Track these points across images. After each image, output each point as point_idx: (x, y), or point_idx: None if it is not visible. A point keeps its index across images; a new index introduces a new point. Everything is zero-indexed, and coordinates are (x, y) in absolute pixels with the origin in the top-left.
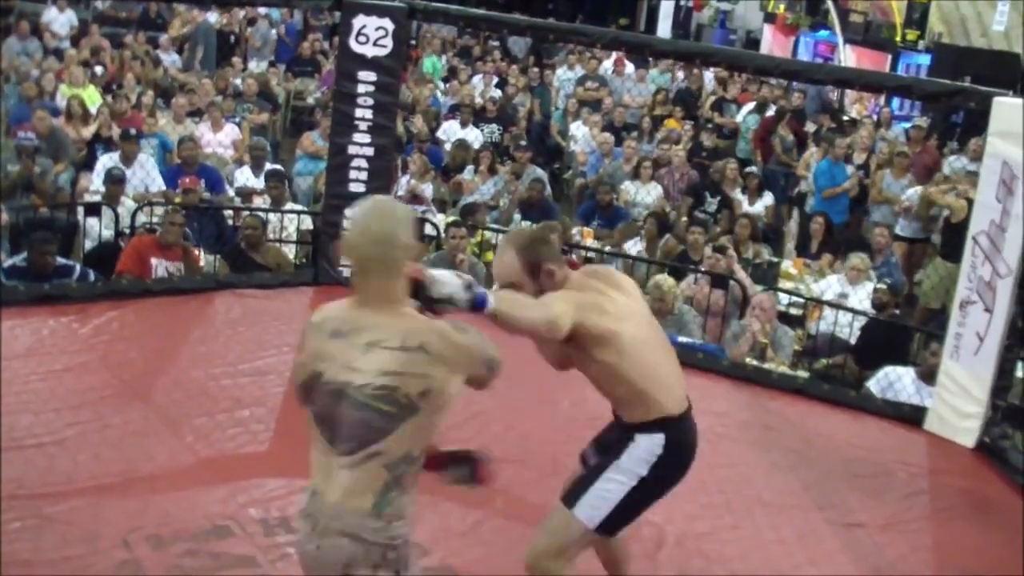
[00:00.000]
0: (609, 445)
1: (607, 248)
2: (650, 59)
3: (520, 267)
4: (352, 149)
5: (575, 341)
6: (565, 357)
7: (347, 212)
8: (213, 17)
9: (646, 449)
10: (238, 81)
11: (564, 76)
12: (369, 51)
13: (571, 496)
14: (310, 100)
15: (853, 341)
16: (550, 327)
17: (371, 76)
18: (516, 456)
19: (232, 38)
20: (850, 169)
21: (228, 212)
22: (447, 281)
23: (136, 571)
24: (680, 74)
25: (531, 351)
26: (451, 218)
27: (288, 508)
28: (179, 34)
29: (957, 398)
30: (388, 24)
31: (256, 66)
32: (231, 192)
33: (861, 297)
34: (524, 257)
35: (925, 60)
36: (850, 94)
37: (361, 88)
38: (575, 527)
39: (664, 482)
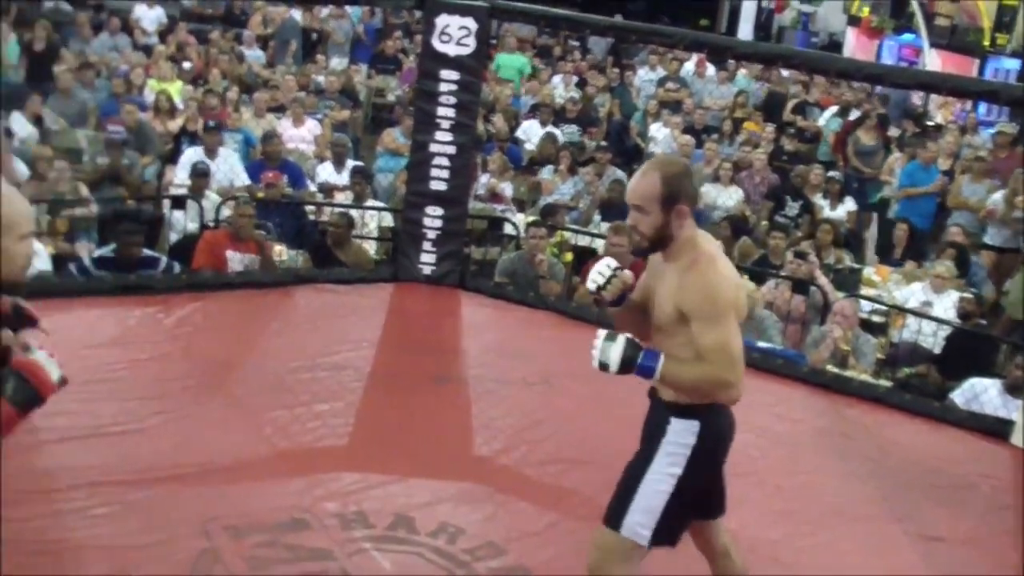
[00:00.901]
0: (646, 436)
1: None
2: (733, 62)
3: (658, 194)
4: (433, 147)
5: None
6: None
7: (428, 210)
8: (298, 14)
9: (679, 436)
10: (320, 78)
11: (644, 77)
12: (452, 50)
13: (614, 515)
14: (391, 97)
15: (937, 351)
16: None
17: (453, 75)
18: (588, 457)
19: (315, 35)
20: (936, 173)
21: (309, 207)
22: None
23: (214, 560)
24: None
25: None
26: (531, 218)
27: (364, 503)
28: (260, 31)
29: None
30: (471, 23)
31: (338, 63)
32: (312, 188)
33: (946, 306)
34: (667, 186)
35: (1014, 64)
36: (935, 99)
37: (443, 87)
38: (626, 546)
39: (711, 474)
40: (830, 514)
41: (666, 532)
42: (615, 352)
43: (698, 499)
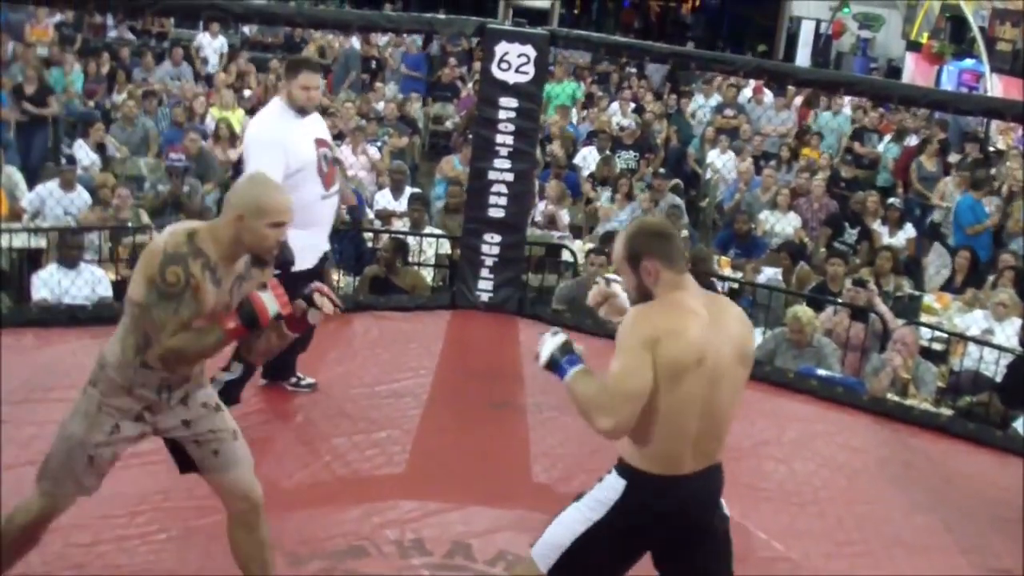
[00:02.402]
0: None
1: (741, 276)
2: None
3: (622, 255)
4: (492, 174)
5: None
6: None
7: (486, 236)
8: (357, 43)
9: (608, 488)
10: (379, 105)
11: (700, 103)
12: (511, 78)
13: (536, 538)
14: (448, 124)
15: (999, 379)
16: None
17: (512, 102)
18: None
19: (374, 63)
20: (996, 201)
21: (368, 234)
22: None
23: None
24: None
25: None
26: (588, 245)
27: (423, 530)
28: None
29: None
30: (530, 51)
31: (393, 89)
32: (371, 215)
33: (1008, 334)
34: (627, 245)
35: None
36: (996, 124)
37: (502, 114)
38: (532, 569)
39: (626, 540)
40: (893, 545)
41: (569, 572)
42: (547, 347)
43: (613, 562)
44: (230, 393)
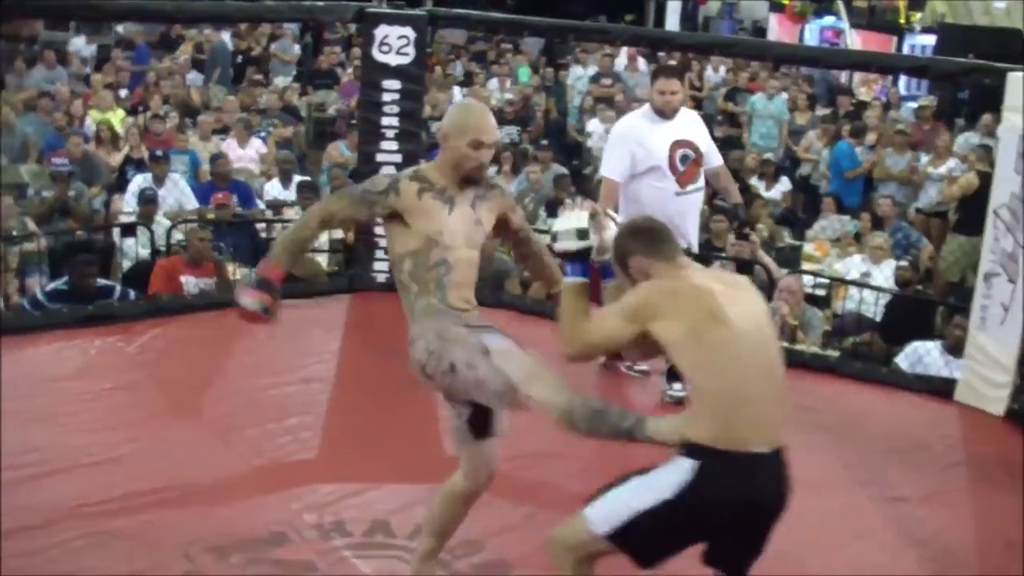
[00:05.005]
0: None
1: None
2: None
3: (614, 260)
4: (380, 157)
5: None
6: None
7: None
8: (227, 36)
9: (677, 470)
10: (263, 97)
11: (578, 74)
12: (392, 60)
13: (592, 497)
14: (331, 111)
15: (879, 319)
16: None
17: (395, 84)
18: (556, 449)
19: (239, 57)
20: (861, 150)
21: (261, 225)
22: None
23: None
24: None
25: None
26: None
27: (342, 512)
28: (191, 54)
29: (986, 368)
30: (410, 32)
31: (282, 81)
32: (262, 205)
33: (887, 275)
34: (615, 251)
35: (930, 41)
36: (857, 77)
37: (386, 96)
38: (583, 528)
39: (699, 519)
40: (796, 484)
41: (633, 542)
42: (566, 224)
43: (682, 538)
44: None
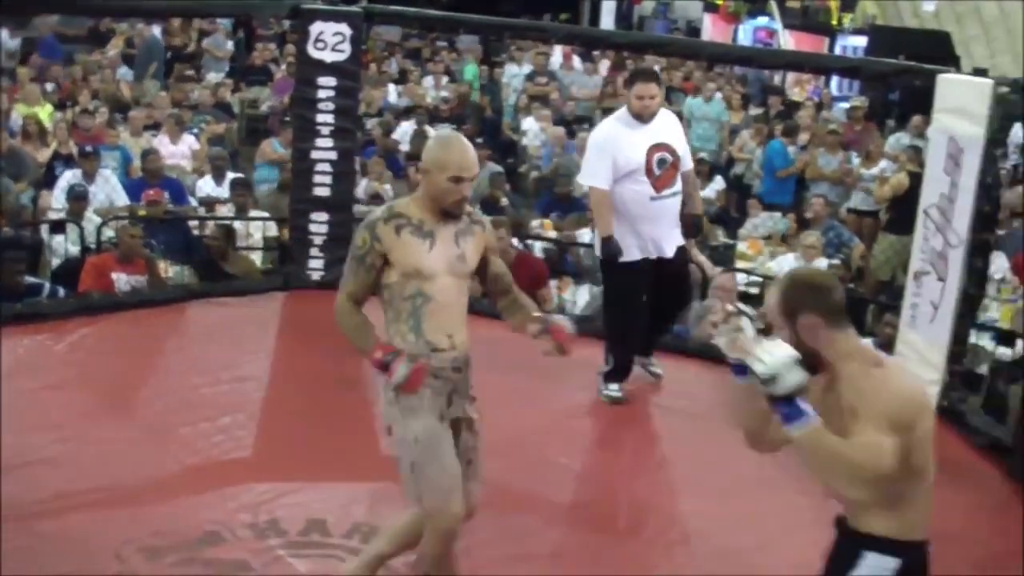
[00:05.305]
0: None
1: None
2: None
3: (777, 306)
4: (315, 154)
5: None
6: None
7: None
8: (158, 30)
9: (878, 568)
10: (195, 93)
11: (513, 72)
12: (328, 56)
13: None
14: (264, 108)
15: None
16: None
17: (331, 81)
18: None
19: (170, 53)
20: (793, 149)
21: (194, 222)
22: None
23: None
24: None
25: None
26: None
27: (277, 511)
28: (121, 49)
29: (916, 365)
30: (345, 29)
31: (214, 77)
32: (194, 202)
33: None
34: (783, 298)
35: (861, 42)
36: (791, 77)
37: (322, 93)
38: None
39: None
40: (735, 483)
41: None
42: (773, 359)
43: None
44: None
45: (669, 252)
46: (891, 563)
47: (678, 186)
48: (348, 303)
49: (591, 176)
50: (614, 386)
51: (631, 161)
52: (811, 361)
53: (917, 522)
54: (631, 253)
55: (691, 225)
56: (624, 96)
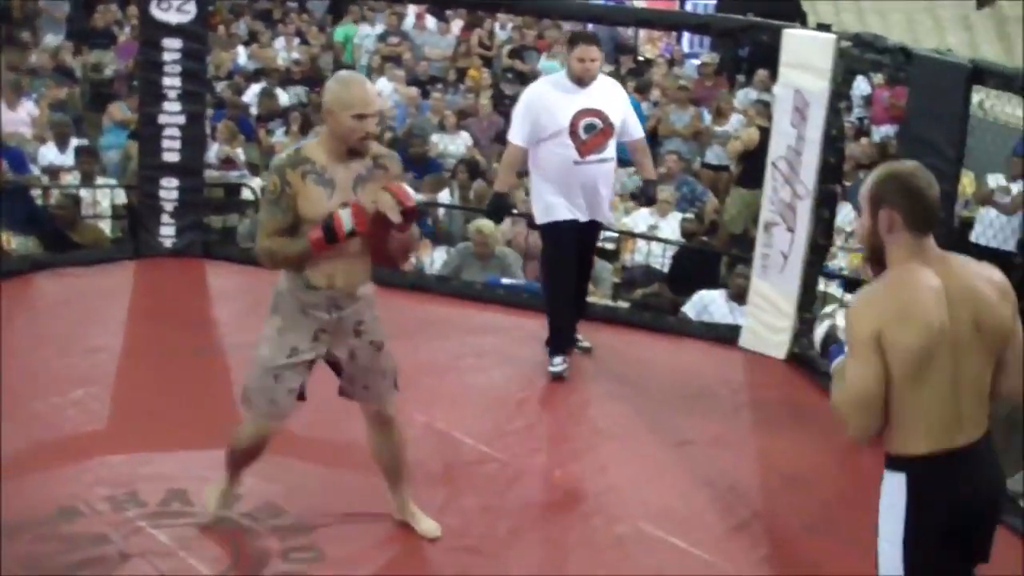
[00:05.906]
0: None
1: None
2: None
3: (867, 191)
4: (163, 118)
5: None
6: None
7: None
8: None
9: (890, 492)
10: (33, 57)
11: (365, 33)
12: (173, 18)
13: None
14: (108, 72)
15: (666, 270)
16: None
17: (177, 43)
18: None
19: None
20: (646, 106)
21: (37, 191)
22: None
23: None
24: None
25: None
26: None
27: (135, 482)
28: None
29: (767, 314)
30: None
31: (53, 40)
32: (37, 171)
33: (673, 227)
34: (875, 186)
35: None
36: (643, 35)
37: (167, 56)
38: None
39: (930, 530)
40: (591, 435)
41: None
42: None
43: (938, 554)
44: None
45: (599, 217)
46: (896, 478)
47: (607, 153)
48: (268, 243)
49: (511, 132)
50: (557, 359)
51: (554, 122)
52: (878, 256)
53: (918, 435)
54: (559, 212)
55: (642, 193)
56: (476, 55)
